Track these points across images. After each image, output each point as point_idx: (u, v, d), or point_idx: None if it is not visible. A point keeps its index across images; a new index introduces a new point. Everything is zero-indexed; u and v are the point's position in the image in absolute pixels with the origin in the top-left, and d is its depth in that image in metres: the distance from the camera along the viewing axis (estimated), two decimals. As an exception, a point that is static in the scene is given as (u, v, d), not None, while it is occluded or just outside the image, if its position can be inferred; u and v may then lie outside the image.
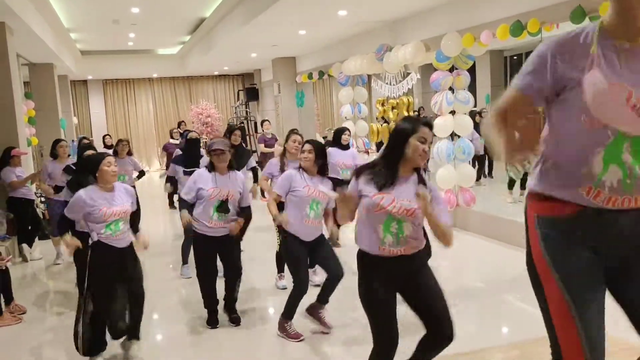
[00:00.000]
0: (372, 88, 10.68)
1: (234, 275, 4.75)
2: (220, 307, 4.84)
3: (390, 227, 2.87)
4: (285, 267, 5.23)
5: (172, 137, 11.98)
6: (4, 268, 5.13)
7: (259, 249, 7.08)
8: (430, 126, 2.95)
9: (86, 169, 4.25)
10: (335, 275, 4.30)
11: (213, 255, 4.68)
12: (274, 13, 8.43)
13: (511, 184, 8.69)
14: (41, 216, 8.53)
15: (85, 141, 8.29)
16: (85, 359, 4.12)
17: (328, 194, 4.05)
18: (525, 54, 12.55)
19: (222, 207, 4.50)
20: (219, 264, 4.77)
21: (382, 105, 9.81)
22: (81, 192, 3.93)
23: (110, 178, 3.96)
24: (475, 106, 9.99)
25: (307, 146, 4.37)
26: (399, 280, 2.96)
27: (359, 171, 3.01)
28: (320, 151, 4.36)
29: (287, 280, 5.23)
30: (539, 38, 6.47)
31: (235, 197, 4.59)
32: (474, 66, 9.19)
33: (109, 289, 3.96)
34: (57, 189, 6.57)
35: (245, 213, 4.78)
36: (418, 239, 2.94)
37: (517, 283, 5.41)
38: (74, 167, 5.73)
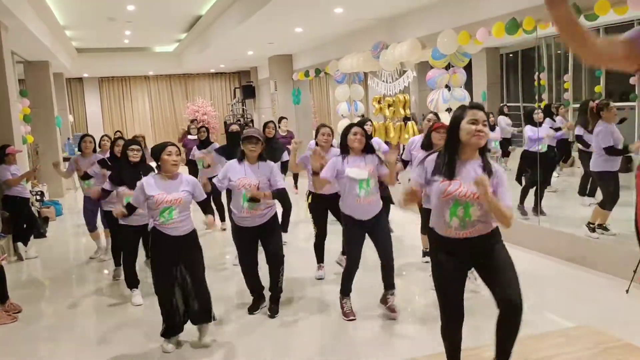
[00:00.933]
0: (368, 86, 10.67)
1: (274, 263, 4.84)
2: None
3: (456, 212, 2.99)
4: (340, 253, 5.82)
5: (189, 133, 11.97)
6: None
7: (299, 240, 7.31)
8: (479, 107, 3.03)
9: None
10: (385, 258, 4.56)
11: (250, 245, 4.80)
12: (270, 11, 8.42)
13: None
14: (36, 215, 8.53)
15: (118, 134, 9.09)
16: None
17: (362, 172, 4.33)
18: (522, 51, 12.56)
19: (252, 199, 4.58)
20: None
21: (379, 102, 9.79)
22: (143, 179, 4.19)
23: (171, 167, 4.11)
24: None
25: (357, 129, 4.49)
26: (467, 259, 3.09)
27: (424, 159, 3.14)
28: (365, 132, 4.56)
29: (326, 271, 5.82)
30: (535, 36, 6.48)
31: (264, 186, 4.65)
32: (470, 64, 9.16)
33: (165, 274, 4.12)
34: (85, 177, 6.61)
35: (280, 195, 4.80)
36: (486, 222, 3.04)
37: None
38: (108, 161, 6.01)
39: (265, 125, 7.22)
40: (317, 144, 5.58)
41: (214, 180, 4.77)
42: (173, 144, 4.22)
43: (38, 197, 9.78)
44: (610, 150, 6.12)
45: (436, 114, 5.77)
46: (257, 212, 4.65)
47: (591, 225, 6.16)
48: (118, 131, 11.88)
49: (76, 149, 14.71)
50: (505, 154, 10.79)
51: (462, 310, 3.11)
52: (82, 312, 5.44)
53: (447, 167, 2.99)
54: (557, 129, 8.17)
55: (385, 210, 4.82)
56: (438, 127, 5.04)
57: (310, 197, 5.70)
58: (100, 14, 10.73)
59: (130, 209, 4.29)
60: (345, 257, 5.73)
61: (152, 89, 20.19)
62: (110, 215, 5.76)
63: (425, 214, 5.18)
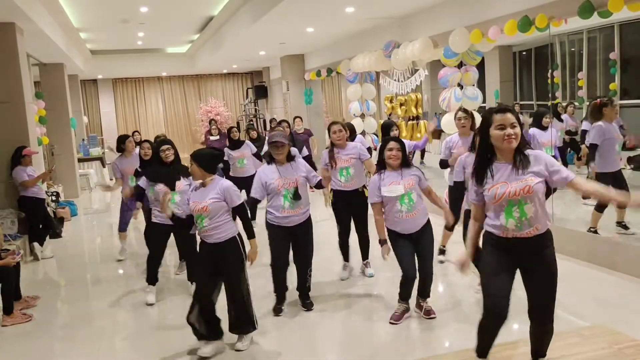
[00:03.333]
0: (380, 85, 10.67)
1: (304, 264, 4.91)
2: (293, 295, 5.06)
3: (512, 213, 3.01)
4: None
5: (211, 134, 12.06)
6: (14, 265, 5.19)
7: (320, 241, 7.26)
8: (505, 110, 3.02)
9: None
10: (424, 278, 4.53)
11: (286, 244, 4.85)
12: (282, 10, 8.44)
13: None
14: (52, 215, 8.62)
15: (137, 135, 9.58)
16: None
17: (398, 188, 4.35)
18: (535, 49, 12.48)
19: (294, 194, 4.67)
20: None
21: (391, 102, 9.81)
22: (193, 184, 4.30)
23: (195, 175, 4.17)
24: (484, 102, 9.95)
25: (394, 144, 4.46)
26: (519, 258, 3.11)
27: (473, 173, 3.17)
28: (401, 144, 4.52)
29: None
30: (548, 33, 6.44)
31: (302, 182, 4.76)
32: (482, 62, 9.13)
33: (202, 281, 4.16)
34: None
35: (320, 185, 5.00)
36: (541, 222, 3.06)
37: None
38: (139, 169, 5.97)
39: (279, 123, 7.29)
40: (332, 144, 5.57)
41: (251, 195, 4.75)
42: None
43: (54, 198, 9.87)
44: (591, 147, 6.11)
45: (466, 110, 5.71)
46: (297, 210, 4.72)
47: (591, 230, 6.11)
48: (136, 131, 11.94)
49: (92, 150, 14.88)
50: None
51: (507, 308, 3.12)
52: (97, 312, 5.49)
53: (490, 172, 3.05)
54: (572, 133, 8.11)
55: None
56: None
57: (332, 193, 5.72)
58: (114, 16, 10.81)
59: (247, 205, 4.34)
60: (363, 263, 5.84)
61: (165, 89, 20.30)
62: (147, 214, 5.84)
63: (457, 209, 5.20)
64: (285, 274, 4.93)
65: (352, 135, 7.24)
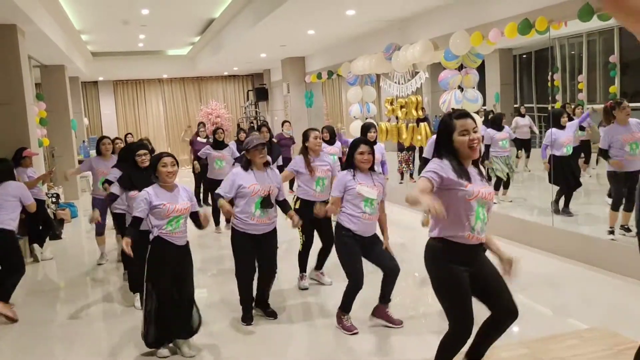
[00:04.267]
0: (380, 87, 10.67)
1: (269, 273, 4.84)
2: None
3: (480, 214, 3.01)
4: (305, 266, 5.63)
5: (198, 136, 12.06)
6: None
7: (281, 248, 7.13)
8: (466, 115, 3.01)
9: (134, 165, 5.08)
10: (391, 272, 4.42)
11: (252, 253, 4.73)
12: (283, 13, 8.46)
13: (497, 184, 8.51)
14: (52, 216, 8.62)
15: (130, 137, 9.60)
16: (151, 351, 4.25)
17: (372, 192, 4.31)
18: (535, 52, 12.50)
19: (265, 202, 4.59)
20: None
21: (391, 104, 9.79)
22: (145, 191, 4.10)
23: (165, 178, 4.09)
24: (484, 105, 9.97)
25: (365, 147, 4.43)
26: (473, 266, 3.08)
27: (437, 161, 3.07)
28: (372, 148, 4.50)
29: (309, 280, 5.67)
30: (547, 36, 6.45)
31: (275, 192, 4.69)
32: (483, 65, 9.14)
33: (166, 284, 4.09)
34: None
35: (286, 206, 4.89)
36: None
37: (525, 282, 5.39)
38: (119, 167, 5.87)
39: (259, 128, 7.28)
40: (307, 149, 5.46)
41: (218, 191, 4.62)
42: (169, 155, 4.18)
43: (54, 199, 9.88)
44: (603, 154, 6.16)
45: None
46: (267, 219, 4.64)
47: (610, 229, 6.13)
48: (129, 133, 11.94)
49: (92, 151, 14.89)
50: (518, 155, 10.74)
51: (473, 319, 3.08)
52: (96, 313, 5.49)
53: (464, 172, 2.99)
54: (582, 128, 8.17)
55: None
56: None
57: (298, 202, 5.52)
58: (115, 18, 10.84)
59: (137, 223, 4.13)
60: (319, 272, 5.72)
61: (166, 91, 20.33)
62: (119, 218, 5.78)
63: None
64: (252, 283, 4.79)
65: (332, 139, 7.29)
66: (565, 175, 7.32)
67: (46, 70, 12.32)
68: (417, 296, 5.35)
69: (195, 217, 4.29)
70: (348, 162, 4.48)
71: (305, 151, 5.50)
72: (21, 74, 8.10)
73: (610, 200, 6.55)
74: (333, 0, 7.88)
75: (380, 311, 4.53)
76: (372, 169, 4.49)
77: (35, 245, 7.54)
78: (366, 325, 4.53)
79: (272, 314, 4.87)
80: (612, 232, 6.09)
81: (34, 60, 10.66)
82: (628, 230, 6.16)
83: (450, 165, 2.96)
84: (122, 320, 5.17)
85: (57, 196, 10.24)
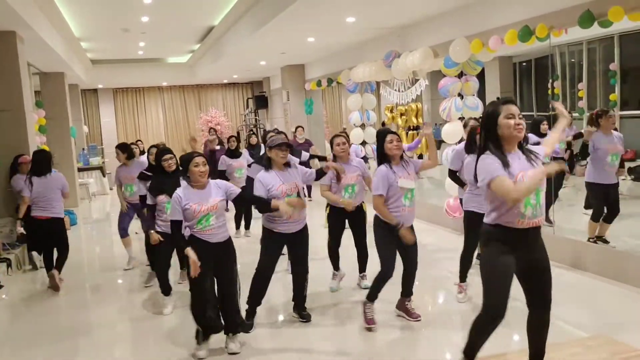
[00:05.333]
0: (380, 95, 10.68)
1: (302, 272, 4.86)
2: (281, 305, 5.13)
3: (530, 200, 3.03)
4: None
5: (220, 144, 12.05)
6: None
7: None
8: (512, 101, 3.10)
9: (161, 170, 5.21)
10: (412, 264, 4.56)
11: (279, 254, 4.83)
12: (282, 21, 8.46)
13: None
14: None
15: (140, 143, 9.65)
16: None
17: (410, 182, 4.40)
18: (535, 60, 12.50)
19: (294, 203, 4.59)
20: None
21: (391, 111, 9.81)
22: (178, 191, 4.16)
23: (198, 178, 4.14)
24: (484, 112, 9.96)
25: (393, 136, 4.49)
26: (523, 252, 3.12)
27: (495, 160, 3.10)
28: (398, 136, 4.56)
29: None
30: (548, 44, 6.45)
31: (300, 187, 4.75)
32: (483, 73, 9.15)
33: (202, 280, 4.11)
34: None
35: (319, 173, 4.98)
36: (545, 210, 3.17)
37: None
38: (148, 172, 5.94)
39: (277, 134, 7.27)
40: (334, 157, 5.48)
41: (255, 193, 4.61)
42: (200, 155, 4.23)
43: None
44: (582, 150, 6.21)
45: (477, 119, 5.71)
46: (299, 216, 4.66)
47: (590, 240, 6.12)
48: (139, 140, 11.93)
49: (93, 159, 14.88)
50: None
51: (506, 307, 3.14)
52: (96, 321, 5.46)
53: (504, 161, 3.03)
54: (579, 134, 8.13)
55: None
56: None
57: (328, 208, 5.67)
58: (115, 26, 10.85)
59: (177, 226, 4.15)
60: (363, 275, 5.75)
61: (165, 99, 20.34)
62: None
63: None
64: (268, 283, 4.78)
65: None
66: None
67: (45, 77, 12.32)
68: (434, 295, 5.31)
69: (237, 200, 4.34)
70: (380, 156, 4.52)
71: (334, 158, 5.52)
72: (20, 81, 8.09)
73: (589, 211, 6.52)
74: (333, 8, 7.88)
75: (401, 304, 4.69)
76: (401, 157, 4.55)
77: (34, 253, 7.48)
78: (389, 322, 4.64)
79: (306, 316, 4.89)
80: (594, 242, 6.08)
81: (33, 67, 10.66)
82: (606, 242, 6.13)
83: (494, 158, 3.05)
84: (124, 329, 5.15)
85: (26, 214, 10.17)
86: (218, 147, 11.03)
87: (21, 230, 6.48)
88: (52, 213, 6.34)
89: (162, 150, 5.51)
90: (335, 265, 5.78)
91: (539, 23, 6.17)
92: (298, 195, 4.66)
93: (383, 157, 4.51)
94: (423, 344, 4.40)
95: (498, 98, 3.25)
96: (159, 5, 9.30)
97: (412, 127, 10.04)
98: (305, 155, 6.77)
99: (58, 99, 12.62)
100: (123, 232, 7.09)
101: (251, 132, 9.51)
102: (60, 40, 10.45)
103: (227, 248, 4.25)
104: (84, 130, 17.25)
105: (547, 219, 6.88)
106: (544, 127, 7.22)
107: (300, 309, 4.94)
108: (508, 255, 3.10)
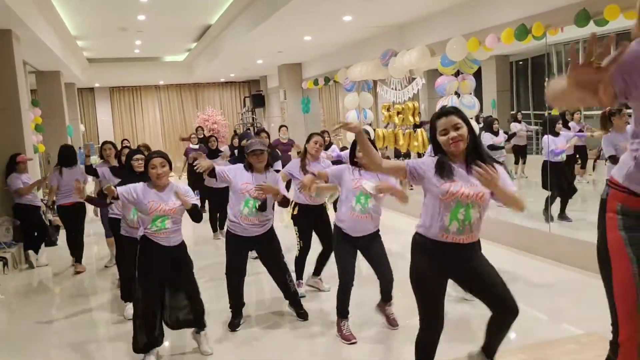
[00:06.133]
0: (377, 93, 10.69)
1: (278, 271, 4.80)
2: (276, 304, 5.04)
3: (457, 214, 2.91)
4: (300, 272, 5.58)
5: (191, 143, 12.06)
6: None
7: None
8: (446, 113, 2.93)
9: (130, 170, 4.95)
10: (383, 275, 4.40)
11: (241, 255, 4.75)
12: (279, 19, 8.46)
13: None
14: (47, 223, 8.58)
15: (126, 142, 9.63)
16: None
17: (370, 189, 4.17)
18: (531, 59, 12.52)
19: (262, 206, 4.56)
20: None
21: (388, 110, 9.80)
22: (140, 183, 4.12)
23: (155, 180, 4.07)
24: (481, 111, 9.98)
25: (318, 138, 4.55)
26: (454, 266, 3.01)
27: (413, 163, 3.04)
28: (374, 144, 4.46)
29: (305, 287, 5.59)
30: (544, 42, 6.46)
31: (270, 197, 4.63)
32: (479, 72, 9.16)
33: (155, 282, 4.07)
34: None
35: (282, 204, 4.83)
36: (478, 231, 3.01)
37: (523, 287, 5.38)
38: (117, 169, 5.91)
39: (258, 133, 7.28)
40: (306, 151, 5.40)
41: (219, 168, 4.61)
42: (159, 155, 4.12)
43: (49, 206, 9.83)
44: (613, 160, 6.08)
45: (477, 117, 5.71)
46: (256, 220, 4.58)
47: None
48: (125, 139, 11.91)
49: (96, 158, 14.84)
50: (516, 161, 10.77)
51: (442, 319, 3.06)
52: (92, 320, 5.45)
53: (446, 170, 2.92)
54: (580, 131, 8.18)
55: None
56: None
57: (295, 208, 5.47)
58: (111, 24, 10.84)
59: (117, 230, 4.15)
60: (317, 278, 5.68)
61: (162, 98, 20.32)
62: (114, 223, 5.74)
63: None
64: (241, 285, 4.75)
65: (327, 145, 7.30)
66: (559, 182, 7.32)
67: (42, 76, 12.30)
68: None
69: (192, 211, 4.16)
70: (353, 162, 4.41)
71: (304, 154, 5.45)
72: (16, 80, 8.08)
73: None
74: (330, 7, 7.89)
75: (381, 307, 4.59)
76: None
77: (31, 252, 7.49)
78: (365, 332, 4.50)
79: (303, 315, 4.86)
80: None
81: (30, 66, 10.64)
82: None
83: (435, 162, 2.95)
84: (117, 328, 5.13)
85: (53, 202, 10.19)
86: (197, 146, 11.02)
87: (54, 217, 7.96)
88: (75, 199, 6.99)
89: (132, 151, 5.45)
90: (300, 274, 5.60)
91: (535, 22, 6.19)
92: (264, 203, 4.57)
93: (355, 162, 4.39)
94: (401, 350, 4.33)
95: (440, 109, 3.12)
96: (155, 3, 9.30)
97: (415, 125, 10.05)
98: (277, 165, 6.75)
99: (54, 98, 12.61)
100: (109, 233, 7.05)
101: (235, 134, 9.52)
102: (57, 38, 10.43)
103: (182, 250, 4.19)
104: (81, 129, 17.22)
105: (565, 217, 6.95)
106: (558, 126, 7.33)
107: (297, 308, 4.91)
108: (435, 269, 2.99)
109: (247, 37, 10.24)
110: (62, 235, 9.13)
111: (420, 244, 3.03)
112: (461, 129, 2.90)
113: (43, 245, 8.00)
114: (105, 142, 7.21)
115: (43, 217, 8.28)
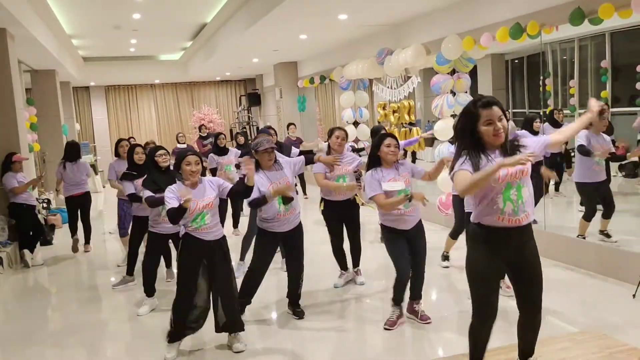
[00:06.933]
0: (373, 92, 10.69)
1: (297, 269, 4.86)
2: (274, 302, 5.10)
3: (510, 195, 2.98)
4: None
5: (178, 142, 12.07)
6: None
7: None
8: (490, 103, 2.95)
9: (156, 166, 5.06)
10: (417, 272, 4.50)
11: (273, 252, 4.87)
12: (275, 18, 8.45)
13: None
14: (42, 222, 8.56)
15: (133, 141, 9.05)
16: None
17: (398, 184, 4.28)
18: (527, 57, 12.54)
19: (286, 198, 4.58)
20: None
21: (384, 109, 9.82)
22: (173, 187, 4.14)
23: (189, 176, 4.11)
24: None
25: (391, 140, 4.44)
26: (509, 250, 3.06)
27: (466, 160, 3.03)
28: (397, 140, 4.52)
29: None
30: (539, 41, 6.47)
31: (292, 183, 4.73)
32: (475, 70, 9.18)
33: (192, 279, 4.14)
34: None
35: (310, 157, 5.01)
36: (531, 207, 3.07)
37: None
38: (133, 172, 5.83)
39: (262, 130, 7.31)
40: (329, 147, 5.48)
41: (254, 194, 4.52)
42: (193, 153, 4.20)
43: (44, 205, 9.81)
44: (580, 149, 6.12)
45: None
46: (292, 212, 4.66)
47: (580, 237, 6.16)
48: (132, 137, 11.89)
49: (87, 156, 14.80)
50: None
51: (497, 308, 3.14)
52: (88, 320, 5.44)
53: (487, 159, 2.95)
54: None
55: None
56: None
57: (322, 203, 5.60)
58: (107, 23, 10.80)
59: (175, 212, 4.05)
60: (355, 270, 5.76)
61: (158, 97, 20.28)
62: (140, 221, 5.76)
63: (462, 217, 5.16)
64: (259, 282, 4.81)
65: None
66: (539, 182, 7.28)
67: (37, 75, 12.26)
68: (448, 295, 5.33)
69: (232, 192, 4.25)
70: (372, 159, 4.46)
71: (327, 151, 5.51)
72: (11, 79, 8.05)
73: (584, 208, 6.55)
74: (325, 5, 7.88)
75: (409, 307, 4.64)
76: (397, 161, 4.49)
77: (26, 251, 7.47)
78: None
79: (299, 313, 4.89)
80: (584, 238, 6.13)
81: (24, 64, 10.60)
82: (608, 236, 6.19)
83: (471, 162, 2.96)
84: (115, 327, 5.13)
85: (48, 202, 10.17)
86: (184, 145, 11.00)
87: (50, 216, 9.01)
88: (82, 189, 7.88)
89: (156, 147, 5.49)
90: (342, 265, 5.73)
91: (530, 20, 6.20)
92: (288, 197, 4.62)
93: (374, 161, 4.44)
94: (422, 344, 4.39)
95: (480, 95, 3.10)
96: (150, 2, 9.27)
97: (404, 125, 10.06)
98: (295, 151, 6.76)
99: (49, 97, 12.56)
100: (124, 232, 7.05)
101: (238, 133, 9.50)
102: (52, 37, 10.40)
103: (221, 246, 4.23)
104: (76, 127, 17.17)
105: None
106: (536, 124, 7.23)
107: (295, 306, 4.95)
108: (491, 259, 3.06)
109: (243, 36, 10.22)
110: (57, 235, 9.13)
111: (477, 234, 3.09)
112: (503, 120, 2.96)
113: (38, 244, 7.98)
114: (121, 140, 7.28)
115: (38, 216, 8.26)
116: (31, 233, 7.68)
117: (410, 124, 9.21)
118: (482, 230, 3.06)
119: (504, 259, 3.09)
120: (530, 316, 3.18)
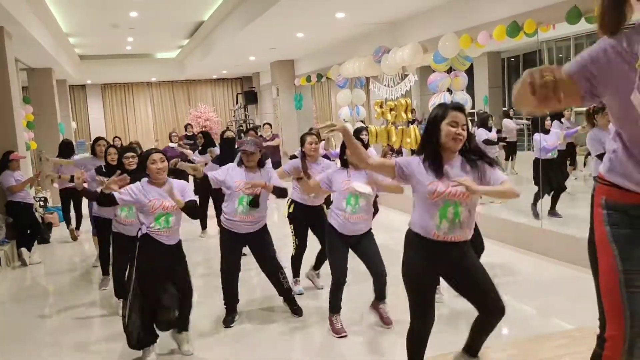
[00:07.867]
0: (370, 90, 10.70)
1: (271, 267, 4.81)
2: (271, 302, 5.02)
3: (446, 213, 2.93)
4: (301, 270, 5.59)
5: (171, 140, 12.05)
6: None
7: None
8: (460, 109, 2.96)
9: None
10: (377, 273, 4.39)
11: (235, 252, 4.79)
12: (272, 16, 8.46)
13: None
14: (40, 220, 8.56)
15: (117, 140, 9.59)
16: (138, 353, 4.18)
17: (367, 187, 4.21)
18: (523, 55, 12.57)
19: (253, 202, 4.56)
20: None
21: (381, 107, 9.81)
22: (139, 182, 4.08)
23: (156, 175, 4.03)
24: (473, 108, 10.02)
25: (313, 138, 4.53)
26: (444, 265, 3.04)
27: (403, 161, 3.04)
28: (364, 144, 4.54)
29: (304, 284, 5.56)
30: (536, 39, 6.49)
31: (264, 193, 4.65)
32: (472, 68, 9.18)
33: (155, 282, 4.05)
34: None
35: (282, 192, 4.81)
36: (470, 228, 3.02)
37: (515, 283, 5.42)
38: (104, 169, 5.75)
39: (246, 132, 7.31)
40: (304, 154, 5.33)
41: (210, 174, 4.64)
42: (157, 151, 4.13)
43: (41, 203, 9.80)
44: (601, 158, 6.08)
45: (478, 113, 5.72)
46: (250, 218, 4.60)
47: None
48: (117, 137, 11.88)
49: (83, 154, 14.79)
50: (507, 157, 10.81)
51: (433, 317, 3.08)
52: (85, 318, 5.44)
53: (433, 168, 2.92)
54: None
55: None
56: None
57: (292, 205, 5.45)
58: (103, 21, 10.79)
59: (112, 198, 4.01)
60: (315, 272, 5.66)
61: (154, 95, 20.26)
62: (101, 222, 5.73)
63: None
64: (235, 282, 4.78)
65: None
66: (550, 179, 7.34)
67: (33, 73, 12.23)
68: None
69: (188, 207, 4.10)
70: (344, 161, 4.42)
71: (303, 157, 5.39)
72: (8, 77, 8.04)
73: None
74: (322, 3, 7.89)
75: (374, 306, 4.57)
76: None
77: (23, 249, 7.46)
78: (358, 327, 4.52)
79: (297, 311, 4.87)
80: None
81: (21, 63, 10.58)
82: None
83: (422, 162, 2.96)
84: (112, 325, 5.13)
85: (45, 200, 10.17)
86: (174, 145, 10.97)
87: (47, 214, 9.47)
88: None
89: (125, 148, 5.43)
90: (297, 272, 5.58)
91: (527, 19, 6.22)
92: (256, 198, 4.57)
93: (345, 162, 4.41)
94: (393, 345, 4.34)
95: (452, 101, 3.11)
96: (147, 0, 9.27)
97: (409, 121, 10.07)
98: (268, 163, 6.78)
99: (46, 95, 12.53)
100: (94, 231, 6.99)
101: (227, 128, 9.53)
102: (48, 35, 10.38)
103: (179, 250, 4.19)
104: (73, 126, 17.14)
105: (555, 214, 6.99)
106: (547, 123, 7.38)
107: (291, 304, 4.92)
108: (427, 267, 3.02)
109: (240, 34, 10.22)
110: (54, 233, 9.13)
111: (413, 241, 3.05)
112: (465, 130, 2.93)
113: (36, 242, 7.97)
114: (99, 138, 7.03)
115: (35, 214, 8.25)
116: (28, 231, 7.67)
117: (409, 122, 9.21)
118: (415, 238, 3.03)
119: (441, 269, 3.07)
120: (493, 321, 3.10)
